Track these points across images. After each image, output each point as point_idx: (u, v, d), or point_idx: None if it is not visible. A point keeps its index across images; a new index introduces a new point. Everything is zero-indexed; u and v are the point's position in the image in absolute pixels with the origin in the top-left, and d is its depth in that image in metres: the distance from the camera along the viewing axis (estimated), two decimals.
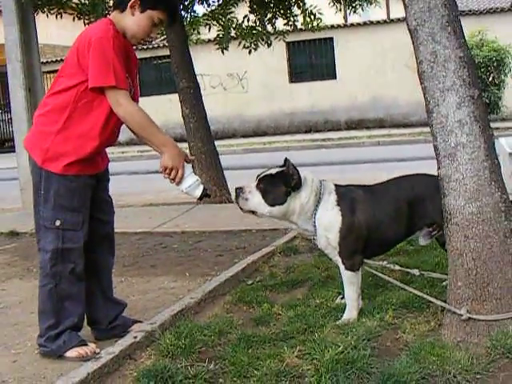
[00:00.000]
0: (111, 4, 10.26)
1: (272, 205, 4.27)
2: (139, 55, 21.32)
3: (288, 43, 23.25)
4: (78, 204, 4.17)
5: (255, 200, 4.29)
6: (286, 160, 4.33)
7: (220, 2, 11.09)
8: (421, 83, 3.90)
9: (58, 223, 4.14)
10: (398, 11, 26.10)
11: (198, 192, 4.17)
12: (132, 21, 4.16)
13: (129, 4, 4.15)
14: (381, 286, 4.79)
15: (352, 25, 25.47)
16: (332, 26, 22.40)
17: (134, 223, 8.49)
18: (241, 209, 4.42)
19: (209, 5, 10.88)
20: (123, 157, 21.07)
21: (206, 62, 22.35)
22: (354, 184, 4.61)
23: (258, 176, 4.36)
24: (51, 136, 4.10)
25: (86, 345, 4.21)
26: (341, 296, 4.64)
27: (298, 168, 4.27)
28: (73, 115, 4.08)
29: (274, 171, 4.34)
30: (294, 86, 26.19)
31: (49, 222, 4.16)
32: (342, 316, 4.27)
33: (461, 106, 3.72)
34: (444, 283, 4.50)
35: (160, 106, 26.14)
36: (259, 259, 6.06)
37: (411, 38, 3.96)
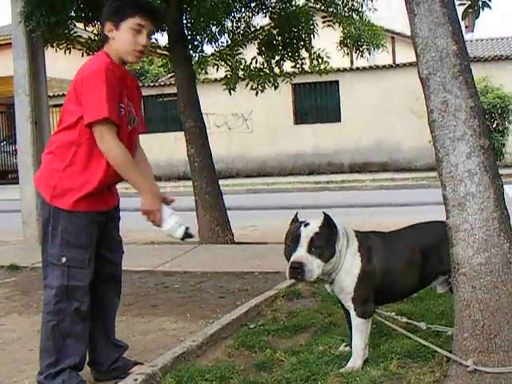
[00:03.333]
0: None
1: (327, 261, 4.17)
2: (145, 92, 21.63)
3: (294, 85, 23.36)
4: (85, 241, 4.14)
5: (315, 266, 4.12)
6: (324, 214, 4.26)
7: (229, 43, 11.14)
8: (431, 132, 3.88)
9: (63, 260, 4.12)
10: (403, 56, 26.31)
11: (180, 233, 4.14)
12: (116, 42, 4.19)
13: (106, 32, 4.22)
14: (385, 335, 4.73)
15: (358, 68, 25.62)
16: (338, 70, 22.48)
17: (136, 261, 8.43)
18: (307, 281, 4.38)
19: (217, 45, 10.93)
20: (127, 193, 20.89)
21: (212, 101, 22.38)
22: (370, 231, 4.57)
23: (295, 240, 4.17)
24: (59, 173, 4.11)
25: None
26: (344, 344, 4.58)
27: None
28: (78, 151, 4.09)
29: (316, 228, 4.20)
30: (298, 128, 26.25)
31: (55, 259, 4.15)
32: (345, 364, 4.20)
33: (471, 155, 3.71)
34: (449, 333, 4.45)
35: (165, 144, 26.28)
36: (262, 303, 6.00)
37: (422, 86, 3.94)
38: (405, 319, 4.46)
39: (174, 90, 22.79)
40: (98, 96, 3.95)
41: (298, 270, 4.09)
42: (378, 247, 4.35)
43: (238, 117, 26.66)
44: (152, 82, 31.34)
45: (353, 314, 4.28)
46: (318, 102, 26.39)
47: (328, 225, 4.21)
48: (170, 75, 30.04)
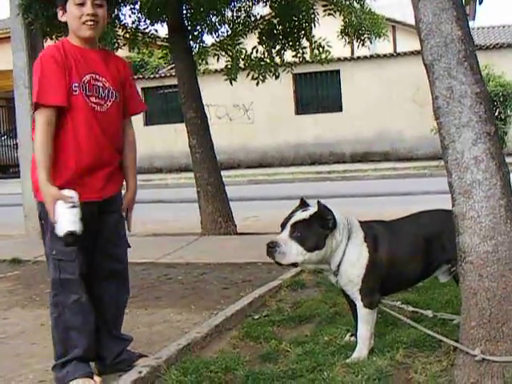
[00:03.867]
0: (121, 32, 10.35)
1: (311, 251, 4.12)
2: (145, 84, 21.65)
3: (294, 75, 23.27)
4: None
5: (293, 251, 4.10)
6: (318, 202, 4.20)
7: (229, 33, 11.07)
8: (436, 119, 3.84)
9: (54, 253, 4.11)
10: (404, 45, 26.23)
11: (60, 229, 3.89)
12: (69, 24, 4.20)
13: (60, 19, 4.25)
14: (390, 324, 4.70)
15: (359, 58, 25.53)
16: (339, 59, 22.40)
17: (138, 253, 8.31)
18: (278, 264, 4.22)
19: (218, 35, 10.85)
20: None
21: (213, 92, 22.30)
22: (374, 220, 4.53)
23: (286, 223, 4.18)
24: (34, 167, 4.06)
25: (92, 378, 4.12)
26: (350, 333, 4.55)
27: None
28: None
29: (305, 215, 4.18)
30: (299, 118, 26.22)
31: (49, 252, 4.14)
32: (351, 354, 4.17)
33: (477, 142, 3.66)
34: (455, 321, 4.42)
35: (165, 136, 26.27)
36: (266, 293, 5.98)
37: (427, 72, 3.89)
38: (411, 308, 4.43)
39: (174, 81, 22.75)
40: (34, 87, 4.01)
41: (270, 249, 4.11)
42: (383, 236, 4.31)
43: (239, 108, 26.62)
44: (152, 73, 31.24)
45: (359, 304, 4.25)
46: (319, 92, 26.35)
47: (320, 215, 4.15)
48: (169, 67, 29.98)
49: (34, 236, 10.37)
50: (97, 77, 4.19)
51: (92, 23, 4.18)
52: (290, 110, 26.41)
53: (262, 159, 26.41)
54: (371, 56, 25.28)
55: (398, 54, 25.54)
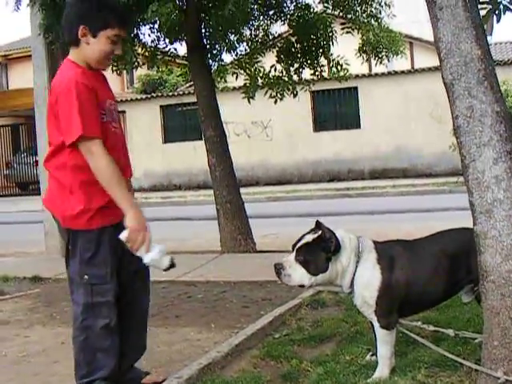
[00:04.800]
0: (140, 51, 10.40)
1: (315, 274, 4.16)
2: (164, 101, 21.80)
3: (312, 92, 23.33)
4: (104, 257, 4.09)
5: (297, 274, 4.18)
6: (317, 223, 4.23)
7: (247, 51, 11.12)
8: (456, 138, 3.83)
9: (86, 278, 4.09)
10: (422, 61, 26.20)
11: (166, 262, 3.97)
12: (90, 49, 4.05)
13: (79, 36, 4.04)
14: (411, 343, 4.66)
15: (376, 74, 25.53)
16: (357, 76, 22.41)
17: (158, 271, 8.37)
18: (286, 285, 4.34)
19: (236, 54, 10.90)
20: (146, 203, 21.07)
21: (231, 110, 22.34)
22: (393, 240, 4.51)
23: (294, 246, 4.24)
24: (63, 198, 4.06)
25: None
26: (371, 353, 4.53)
27: (332, 230, 4.17)
28: (75, 172, 4.01)
29: (309, 238, 4.20)
30: (318, 135, 26.22)
31: (78, 277, 4.12)
32: (372, 374, 4.15)
33: (497, 161, 3.65)
34: (477, 340, 4.40)
35: (184, 153, 26.32)
36: (286, 312, 5.95)
37: (447, 92, 3.89)
38: (432, 327, 4.40)
39: (192, 99, 22.86)
40: (71, 116, 3.86)
41: (277, 270, 4.21)
42: (402, 257, 4.28)
43: (257, 125, 26.65)
44: (171, 91, 31.40)
45: (376, 325, 4.23)
46: (337, 109, 26.36)
47: (322, 238, 4.15)
48: (188, 84, 30.12)
49: (55, 253, 10.42)
50: (111, 101, 4.22)
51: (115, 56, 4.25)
52: (308, 127, 26.42)
53: (280, 176, 26.39)
54: (389, 73, 25.26)
55: (416, 71, 25.52)
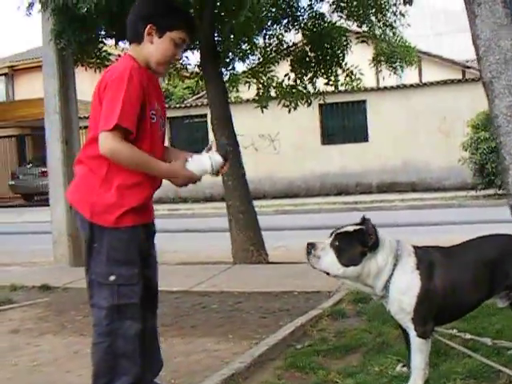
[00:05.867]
0: None
1: (346, 265, 4.00)
2: (171, 114, 21.89)
3: (321, 105, 23.17)
4: (132, 257, 3.93)
5: (328, 259, 4.01)
6: (363, 218, 4.09)
7: (260, 60, 11.00)
8: (495, 138, 3.69)
9: (112, 278, 3.89)
10: (430, 76, 26.12)
11: (219, 158, 3.97)
12: (153, 49, 3.94)
13: (145, 33, 3.94)
14: (443, 354, 4.50)
15: (385, 88, 25.41)
16: (365, 89, 22.31)
17: (171, 281, 8.24)
18: (312, 266, 4.12)
19: (249, 63, 10.79)
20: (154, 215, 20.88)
21: (239, 122, 21.93)
22: (431, 245, 4.34)
23: (333, 232, 4.11)
24: (95, 189, 3.87)
25: None
26: (401, 364, 4.35)
27: (376, 227, 4.02)
28: (112, 164, 3.85)
29: (351, 228, 4.08)
30: (325, 148, 26.09)
31: (103, 278, 3.92)
32: None
33: None
34: (511, 351, 4.23)
35: None
36: (307, 323, 5.79)
37: (485, 90, 3.74)
38: (468, 336, 4.22)
39: (200, 111, 22.90)
40: (114, 105, 3.74)
41: (308, 249, 4.07)
42: (441, 264, 4.11)
43: (264, 138, 26.50)
44: (177, 103, 31.30)
45: (412, 334, 4.05)
46: (345, 122, 26.26)
47: (363, 231, 4.02)
48: (195, 97, 30.07)
49: (63, 263, 10.31)
50: (159, 107, 4.07)
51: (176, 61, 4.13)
52: (316, 140, 26.29)
53: (287, 189, 26.24)
54: (397, 86, 25.15)
55: (425, 84, 25.41)
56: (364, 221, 4.07)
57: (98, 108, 3.86)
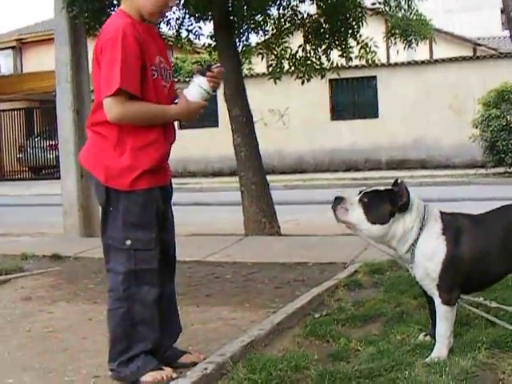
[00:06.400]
0: (164, 29, 10.19)
1: (373, 222, 3.94)
2: (180, 88, 21.63)
3: (330, 81, 23.07)
4: (149, 220, 3.87)
5: (355, 213, 3.96)
6: (397, 180, 4.01)
7: (274, 32, 10.87)
8: None
9: (128, 243, 3.84)
10: (441, 53, 25.93)
11: (201, 78, 3.93)
12: (143, 0, 3.83)
13: None
14: (465, 324, 4.42)
15: (396, 64, 25.23)
16: (376, 65, 22.13)
17: (183, 252, 8.08)
18: (337, 218, 4.04)
19: (264, 33, 10.65)
20: None
21: (248, 97, 22.13)
22: (459, 212, 4.25)
23: (363, 190, 4.03)
24: (109, 152, 3.82)
25: (162, 369, 3.89)
26: (424, 333, 4.28)
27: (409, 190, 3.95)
28: (122, 126, 3.80)
29: (381, 188, 4.03)
30: (335, 124, 25.95)
31: (119, 242, 3.87)
32: (429, 353, 3.90)
33: None
34: None
35: (200, 140, 26.08)
36: (323, 292, 5.72)
37: None
38: (494, 304, 4.15)
39: None
40: (113, 69, 3.67)
41: (336, 201, 4.01)
42: (468, 230, 4.03)
43: (274, 113, 26.37)
44: (186, 77, 31.13)
45: (437, 301, 3.97)
46: (355, 98, 26.13)
47: (395, 192, 3.95)
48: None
49: (73, 233, 10.28)
50: (161, 58, 3.98)
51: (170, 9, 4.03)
52: (326, 115, 26.16)
53: (296, 165, 26.15)
54: (408, 62, 24.97)
55: (436, 61, 25.23)
56: (397, 182, 3.98)
57: (98, 72, 3.80)
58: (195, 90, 3.93)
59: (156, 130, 3.86)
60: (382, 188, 4.03)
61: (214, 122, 25.20)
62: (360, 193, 4.03)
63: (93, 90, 3.98)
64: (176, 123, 4.11)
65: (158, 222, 3.96)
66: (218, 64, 4.15)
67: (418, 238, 3.96)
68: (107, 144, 3.82)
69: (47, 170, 30.16)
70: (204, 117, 25.80)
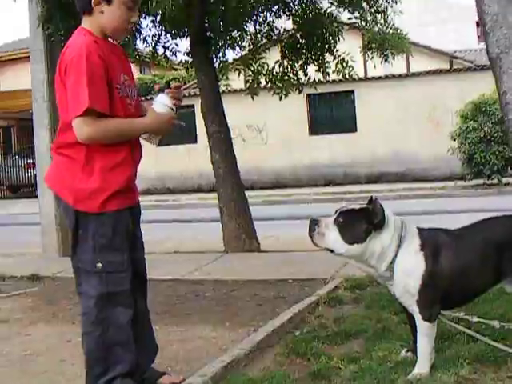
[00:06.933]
0: (141, 45, 10.16)
1: (350, 243, 3.91)
2: None
3: (308, 95, 23.12)
4: (120, 242, 3.81)
5: (331, 237, 3.94)
6: (371, 198, 3.98)
7: (251, 47, 10.86)
8: (504, 116, 3.58)
9: (99, 266, 3.77)
10: (417, 66, 26.04)
11: (161, 96, 3.97)
12: (105, 18, 3.79)
13: (92, 3, 3.77)
14: (447, 339, 4.41)
15: (373, 78, 25.28)
16: (353, 79, 22.22)
17: (162, 270, 8.12)
18: (315, 244, 4.02)
19: (241, 49, 10.63)
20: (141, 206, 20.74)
21: (226, 113, 22.13)
22: (437, 227, 4.23)
23: (338, 210, 4.00)
24: (77, 174, 3.74)
25: None
26: (405, 349, 4.25)
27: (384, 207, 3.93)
28: (90, 148, 3.73)
29: (356, 206, 4.01)
30: (313, 139, 25.93)
31: (90, 266, 3.80)
32: (412, 370, 3.87)
33: None
34: None
35: (178, 156, 26.04)
36: (304, 309, 5.70)
37: (492, 67, 3.64)
38: (476, 318, 4.12)
39: (187, 101, 22.69)
40: (79, 88, 3.59)
41: (311, 227, 3.98)
42: (447, 245, 4.01)
43: (252, 129, 26.36)
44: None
45: (417, 317, 3.95)
46: (333, 113, 26.13)
47: (369, 210, 3.93)
48: (182, 88, 29.80)
49: (52, 252, 10.17)
50: (126, 76, 3.93)
51: (130, 31, 3.97)
52: (304, 130, 26.14)
53: (275, 180, 26.10)
54: (386, 76, 25.01)
55: (413, 74, 25.32)
56: (372, 200, 3.96)
57: (63, 90, 3.73)
58: (159, 108, 3.92)
59: (124, 150, 3.81)
60: (357, 207, 4.01)
61: (193, 139, 25.22)
62: (336, 212, 4.00)
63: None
64: (155, 141, 4.06)
65: (129, 242, 3.91)
66: (176, 83, 4.16)
67: (396, 255, 3.94)
68: (75, 166, 3.75)
69: (25, 189, 29.97)
70: (182, 133, 25.85)
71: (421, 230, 4.07)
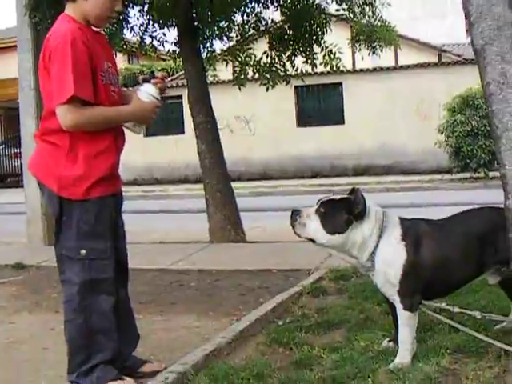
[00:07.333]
0: (128, 35, 10.12)
1: (331, 233, 3.91)
2: None
3: (296, 87, 23.07)
4: (103, 229, 3.82)
5: (312, 227, 3.94)
6: (353, 188, 4.00)
7: (238, 38, 10.84)
8: (488, 107, 3.58)
9: (83, 253, 3.78)
10: (405, 59, 26.06)
11: (145, 86, 3.99)
12: (88, 5, 3.80)
13: None
14: (429, 329, 4.42)
15: (361, 70, 25.28)
16: (341, 71, 22.22)
17: (147, 260, 8.13)
18: (297, 234, 4.02)
19: (228, 39, 10.60)
20: (127, 196, 20.63)
21: (213, 104, 22.07)
22: (419, 218, 4.24)
23: (320, 200, 4.01)
24: (61, 161, 3.75)
25: (122, 379, 3.83)
26: (387, 339, 4.27)
27: (365, 197, 3.94)
28: (74, 135, 3.73)
29: (337, 197, 4.01)
30: (301, 131, 25.92)
31: (73, 252, 3.80)
32: (393, 360, 3.88)
33: None
34: (503, 324, 4.27)
35: (165, 147, 26.00)
36: (287, 299, 5.71)
37: (477, 58, 3.63)
38: (457, 309, 4.12)
39: (175, 92, 22.69)
40: (64, 75, 3.60)
41: (293, 217, 3.99)
42: (428, 235, 4.02)
43: (240, 120, 26.34)
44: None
45: (399, 307, 3.96)
46: (321, 105, 26.12)
47: (350, 200, 3.94)
48: (170, 78, 29.78)
49: (37, 242, 10.15)
50: (109, 63, 3.95)
51: (114, 20, 3.96)
52: (292, 122, 26.13)
53: (263, 171, 26.08)
54: (374, 69, 25.03)
55: (401, 67, 25.33)
56: (353, 191, 3.97)
57: (47, 78, 3.74)
58: (143, 96, 3.94)
59: (108, 137, 3.82)
60: (339, 197, 4.02)
61: (180, 129, 25.26)
62: (318, 202, 4.01)
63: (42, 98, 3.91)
64: (138, 130, 4.07)
65: (111, 230, 3.91)
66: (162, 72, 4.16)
67: (377, 245, 3.95)
68: (59, 153, 3.76)
69: (12, 179, 29.88)
70: (170, 124, 25.81)
71: (402, 220, 4.08)
